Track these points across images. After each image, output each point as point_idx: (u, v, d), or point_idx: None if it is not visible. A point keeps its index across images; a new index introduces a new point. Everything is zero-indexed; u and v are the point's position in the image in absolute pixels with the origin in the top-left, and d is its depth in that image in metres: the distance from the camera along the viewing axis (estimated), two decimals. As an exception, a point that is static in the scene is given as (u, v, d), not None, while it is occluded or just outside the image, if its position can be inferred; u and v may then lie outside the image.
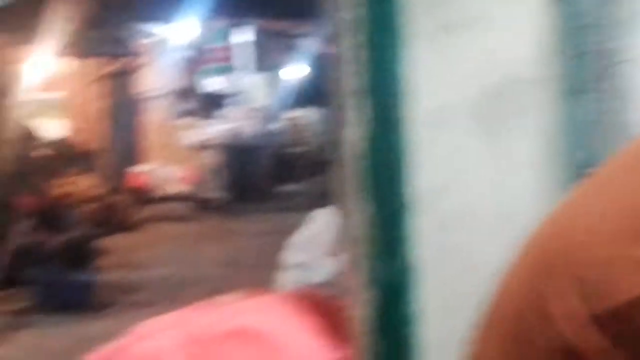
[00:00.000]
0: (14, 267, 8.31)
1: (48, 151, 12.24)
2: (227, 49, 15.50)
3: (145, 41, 13.78)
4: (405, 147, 2.11)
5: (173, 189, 13.90)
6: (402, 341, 2.33)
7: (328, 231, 5.90)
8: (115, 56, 13.93)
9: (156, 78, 14.77)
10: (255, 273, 8.99)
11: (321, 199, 10.18)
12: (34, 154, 10.45)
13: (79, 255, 8.51)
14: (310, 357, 2.29)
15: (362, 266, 2.25)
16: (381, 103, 2.07)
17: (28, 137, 9.98)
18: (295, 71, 18.44)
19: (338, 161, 2.22)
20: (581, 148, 1.85)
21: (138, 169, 14.38)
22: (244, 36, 16.27)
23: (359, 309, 2.29)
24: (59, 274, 8.12)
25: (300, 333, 2.33)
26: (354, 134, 2.09)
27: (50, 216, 8.71)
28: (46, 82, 13.25)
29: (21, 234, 8.59)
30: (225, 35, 15.45)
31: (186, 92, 15.18)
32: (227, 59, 15.55)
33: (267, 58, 17.32)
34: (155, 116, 15.03)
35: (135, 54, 14.12)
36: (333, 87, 2.24)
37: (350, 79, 2.04)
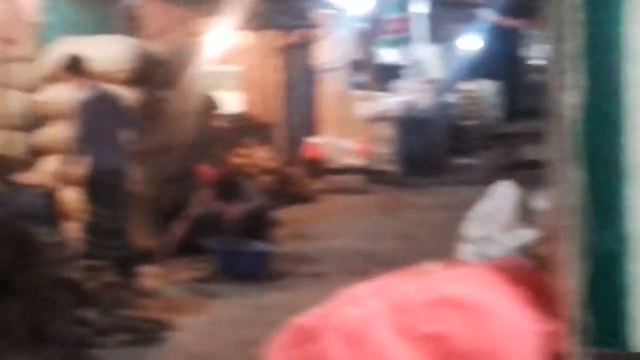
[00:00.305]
0: (194, 236, 8.51)
1: (226, 123, 12.52)
2: (404, 20, 15.33)
3: (322, 13, 13.81)
4: (624, 112, 1.95)
5: (348, 161, 13.93)
6: (615, 314, 2.18)
7: (508, 205, 5.73)
8: (292, 28, 14.05)
9: (332, 50, 14.79)
10: (429, 246, 8.94)
11: (496, 173, 9.96)
12: (214, 125, 10.67)
13: (257, 225, 8.64)
14: (519, 327, 2.19)
15: (576, 236, 2.11)
16: (599, 66, 1.92)
17: (209, 109, 10.19)
18: (470, 43, 18.10)
19: (552, 128, 2.08)
20: None
21: (313, 141, 14.48)
22: (419, 7, 16.07)
23: (570, 280, 2.16)
24: (237, 243, 8.27)
25: (508, 303, 2.23)
26: (570, 99, 1.94)
27: (229, 186, 8.84)
28: (225, 55, 13.54)
29: (201, 202, 8.77)
30: (401, 6, 15.29)
31: (362, 64, 15.15)
32: (403, 30, 15.38)
33: (442, 29, 17.08)
34: (331, 88, 15.07)
35: (312, 26, 14.19)
36: (548, 51, 2.09)
37: (566, 42, 1.90)
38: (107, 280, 6.71)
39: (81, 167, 7.42)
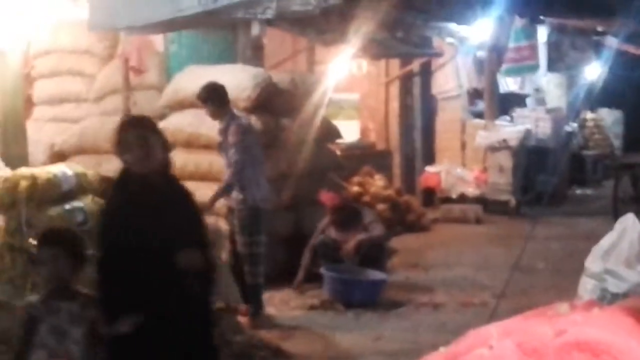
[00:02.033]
0: (314, 263, 8.59)
1: (344, 151, 12.60)
2: (529, 47, 15.13)
3: (444, 41, 13.78)
4: None
5: (465, 190, 13.82)
6: None
7: (632, 239, 5.57)
8: (413, 56, 14.07)
9: (452, 78, 14.73)
10: (549, 278, 8.77)
11: (620, 205, 9.70)
12: (333, 152, 10.75)
13: (374, 254, 8.65)
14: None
15: None
16: None
17: (328, 136, 10.27)
18: (593, 71, 17.79)
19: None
20: None
21: (430, 169, 14.44)
22: (540, 35, 15.88)
23: None
24: (352, 272, 8.28)
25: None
26: None
27: (351, 214, 8.89)
28: (345, 83, 13.67)
29: (323, 229, 8.82)
30: (527, 34, 15.12)
31: (482, 92, 15.03)
32: (528, 58, 15.19)
33: (565, 57, 16.83)
34: (449, 116, 15.01)
35: (434, 55, 14.18)
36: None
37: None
38: (221, 305, 6.84)
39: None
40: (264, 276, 7.59)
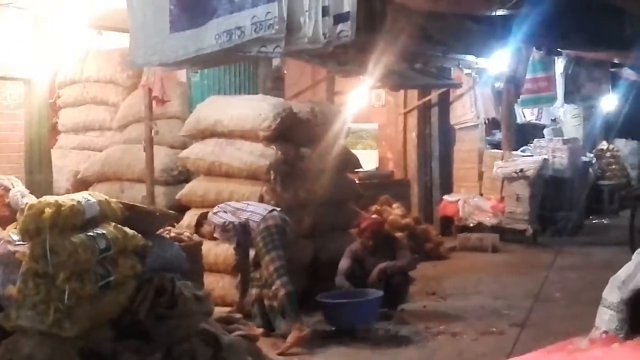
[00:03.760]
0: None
1: (363, 180, 12.71)
2: (547, 79, 15.26)
3: (461, 72, 13.89)
4: None
5: (482, 219, 13.87)
6: None
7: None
8: (431, 87, 14.18)
9: (470, 108, 14.82)
10: (566, 307, 8.79)
11: (636, 235, 9.67)
12: (352, 181, 10.85)
13: (397, 281, 8.70)
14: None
15: None
16: None
17: (348, 166, 10.37)
18: (609, 102, 17.84)
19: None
20: None
21: (448, 198, 14.51)
22: (557, 66, 15.97)
23: None
24: (350, 295, 8.20)
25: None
26: None
27: (384, 241, 8.95)
28: (363, 113, 13.80)
29: (354, 253, 8.88)
30: (544, 66, 15.23)
31: (499, 122, 15.11)
32: (546, 89, 15.31)
33: (580, 88, 16.89)
34: (467, 146, 15.08)
35: (451, 85, 14.28)
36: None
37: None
38: (243, 332, 6.91)
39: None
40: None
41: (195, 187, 9.25)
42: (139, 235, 6.33)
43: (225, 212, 7.90)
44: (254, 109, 9.08)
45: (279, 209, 7.96)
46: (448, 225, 14.40)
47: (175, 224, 8.02)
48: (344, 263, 8.71)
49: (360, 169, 11.33)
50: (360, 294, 8.22)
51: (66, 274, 5.73)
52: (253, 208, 7.91)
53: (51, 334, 5.75)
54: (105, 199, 6.35)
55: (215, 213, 7.93)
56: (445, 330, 8.12)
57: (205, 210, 8.28)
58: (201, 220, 8.07)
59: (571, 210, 13.88)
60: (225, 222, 7.78)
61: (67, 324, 5.70)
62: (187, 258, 6.86)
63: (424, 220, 13.50)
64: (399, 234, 11.34)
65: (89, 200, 6.12)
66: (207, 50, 7.09)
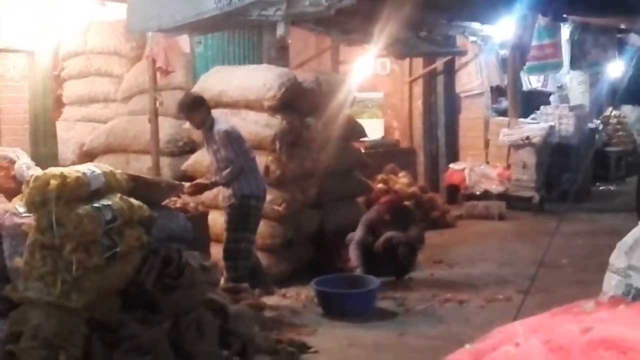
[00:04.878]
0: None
1: (368, 149, 12.68)
2: (553, 45, 15.16)
3: (466, 40, 13.80)
4: None
5: (488, 187, 13.85)
6: None
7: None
8: (436, 55, 14.11)
9: (476, 76, 14.75)
10: (573, 274, 8.79)
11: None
12: (357, 151, 10.84)
13: (403, 253, 8.72)
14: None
15: None
16: None
17: (353, 135, 10.36)
18: (616, 68, 17.74)
19: None
20: None
21: (454, 167, 14.48)
22: (563, 33, 15.86)
23: None
24: (343, 285, 8.06)
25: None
26: None
27: (401, 213, 8.97)
28: (369, 81, 13.74)
29: (369, 224, 8.89)
30: (551, 32, 15.13)
31: (505, 90, 15.04)
32: (552, 56, 15.21)
33: (586, 55, 16.79)
34: (473, 114, 15.03)
35: (456, 53, 14.21)
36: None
37: None
38: (249, 302, 6.93)
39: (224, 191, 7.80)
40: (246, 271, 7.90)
41: (200, 158, 9.23)
42: (145, 206, 6.33)
43: None
44: (259, 79, 9.06)
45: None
46: (454, 193, 14.38)
47: (180, 195, 8.02)
48: (358, 232, 8.76)
49: (365, 138, 11.30)
50: (356, 281, 8.15)
51: (72, 245, 5.74)
52: None
53: (58, 305, 5.77)
54: (111, 170, 6.34)
55: None
56: (452, 298, 8.15)
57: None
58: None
59: (576, 173, 13.84)
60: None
61: (74, 295, 5.72)
62: (193, 228, 6.87)
63: (430, 188, 13.48)
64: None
65: (94, 171, 6.12)
66: (207, 15, 7.03)
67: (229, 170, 7.76)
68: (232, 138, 7.84)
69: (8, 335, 5.96)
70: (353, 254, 8.58)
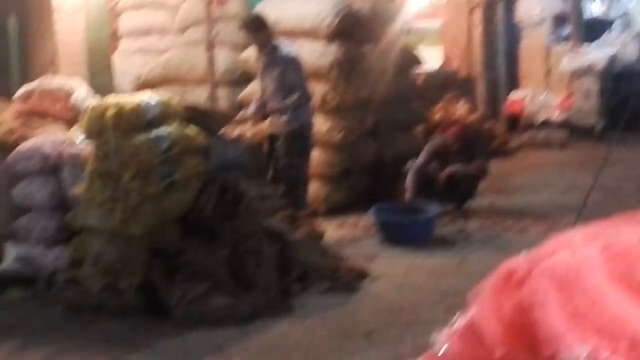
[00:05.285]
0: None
1: (426, 78, 12.51)
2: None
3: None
4: None
5: (549, 115, 13.61)
6: None
7: None
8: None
9: (536, 3, 14.42)
10: (633, 200, 8.63)
11: None
12: (414, 80, 10.70)
13: (464, 186, 8.64)
14: None
15: None
16: None
17: (410, 64, 10.21)
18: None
19: None
20: None
21: (514, 95, 14.25)
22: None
23: None
24: (401, 213, 8.07)
25: None
26: None
27: (468, 144, 8.86)
28: (426, 10, 13.50)
29: (434, 152, 8.82)
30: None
31: (566, 17, 14.68)
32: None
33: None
34: (533, 42, 14.72)
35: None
36: None
37: None
38: (308, 229, 6.93)
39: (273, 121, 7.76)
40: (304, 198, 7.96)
41: (256, 89, 9.18)
42: (201, 134, 6.34)
43: None
44: (314, 8, 8.96)
45: None
46: (514, 123, 14.15)
47: (238, 124, 8.01)
48: (420, 158, 8.68)
49: (423, 68, 11.14)
50: (416, 209, 8.09)
51: (130, 173, 5.79)
52: None
53: (118, 233, 5.84)
54: (167, 99, 6.36)
55: None
56: (512, 226, 8.07)
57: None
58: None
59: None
60: None
61: (133, 222, 5.79)
62: (250, 157, 6.86)
63: (490, 118, 13.29)
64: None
65: (150, 100, 6.14)
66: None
67: (296, 96, 7.71)
68: (299, 64, 7.85)
69: (70, 262, 6.07)
70: (411, 180, 8.51)
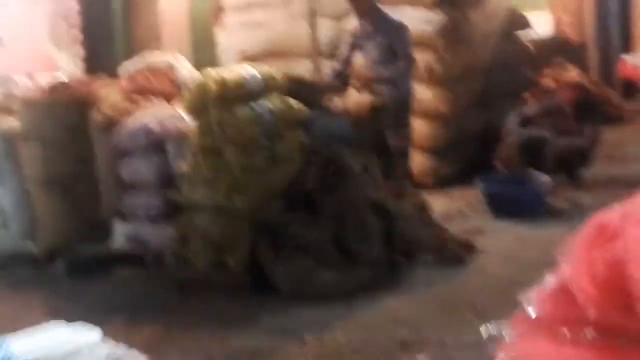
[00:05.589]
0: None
1: (535, 43, 12.16)
2: None
3: None
4: None
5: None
6: None
7: None
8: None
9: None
10: None
11: None
12: (522, 45, 10.37)
13: (573, 160, 8.37)
14: None
15: None
16: None
17: (517, 28, 9.91)
18: None
19: None
20: None
21: (629, 59, 13.72)
22: None
23: None
24: (510, 184, 7.84)
25: None
26: None
27: (587, 109, 8.58)
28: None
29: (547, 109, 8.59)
30: None
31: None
32: None
33: None
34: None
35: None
36: None
37: None
38: (413, 202, 6.80)
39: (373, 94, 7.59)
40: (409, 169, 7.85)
41: (361, 59, 9.06)
42: (304, 107, 6.27)
43: None
44: (417, -27, 8.79)
45: None
46: (630, 88, 13.64)
47: (341, 96, 7.90)
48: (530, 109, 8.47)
49: (532, 33, 10.80)
50: (526, 180, 7.81)
51: (233, 148, 5.76)
52: None
53: (223, 208, 5.83)
54: (269, 71, 6.30)
55: None
56: (626, 194, 7.74)
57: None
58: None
59: None
60: None
61: (237, 197, 5.77)
62: (354, 129, 6.74)
63: (603, 83, 12.84)
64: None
65: (253, 74, 6.10)
66: None
67: (402, 64, 7.55)
68: (406, 30, 7.68)
69: (177, 239, 6.10)
70: (516, 148, 8.24)
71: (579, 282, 1.89)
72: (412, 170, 7.98)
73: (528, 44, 11.09)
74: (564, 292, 1.93)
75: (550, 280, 2.01)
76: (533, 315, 2.00)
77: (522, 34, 10.47)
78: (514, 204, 7.46)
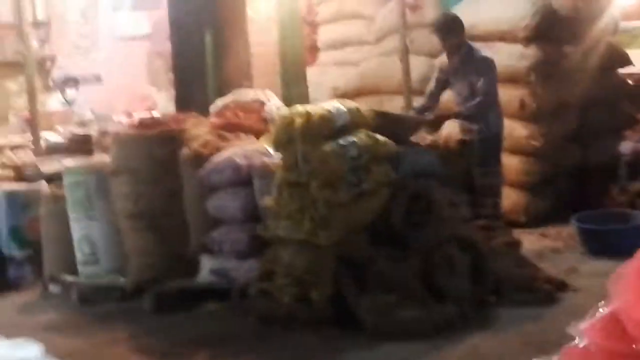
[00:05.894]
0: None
1: (636, 79, 11.84)
2: None
3: None
4: None
5: None
6: None
7: None
8: None
9: None
10: None
11: None
12: (621, 81, 10.09)
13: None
14: None
15: None
16: None
17: (616, 64, 9.65)
18: None
19: None
20: None
21: None
22: None
23: None
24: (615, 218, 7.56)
25: None
26: None
27: None
28: (636, 8, 12.80)
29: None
30: None
31: None
32: None
33: None
34: None
35: None
36: None
37: None
38: (504, 240, 6.66)
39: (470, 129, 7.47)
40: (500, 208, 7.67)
41: (452, 96, 8.98)
42: (391, 142, 6.21)
43: None
44: (512, 8, 8.69)
45: None
46: None
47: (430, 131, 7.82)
48: None
49: (631, 67, 10.51)
50: (623, 216, 7.56)
51: (319, 182, 5.75)
52: None
53: (308, 243, 5.80)
54: (356, 106, 6.28)
55: None
56: None
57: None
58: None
59: None
60: None
61: (322, 232, 5.73)
62: (442, 164, 6.65)
63: None
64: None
65: (339, 108, 6.09)
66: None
67: (478, 100, 7.44)
68: (495, 68, 7.59)
69: (262, 274, 6.10)
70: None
71: (630, 314, 1.80)
72: (503, 207, 7.82)
73: (629, 80, 10.81)
74: (615, 324, 1.84)
75: (602, 311, 1.93)
76: (583, 347, 1.92)
77: (623, 71, 10.21)
78: (610, 241, 7.20)
